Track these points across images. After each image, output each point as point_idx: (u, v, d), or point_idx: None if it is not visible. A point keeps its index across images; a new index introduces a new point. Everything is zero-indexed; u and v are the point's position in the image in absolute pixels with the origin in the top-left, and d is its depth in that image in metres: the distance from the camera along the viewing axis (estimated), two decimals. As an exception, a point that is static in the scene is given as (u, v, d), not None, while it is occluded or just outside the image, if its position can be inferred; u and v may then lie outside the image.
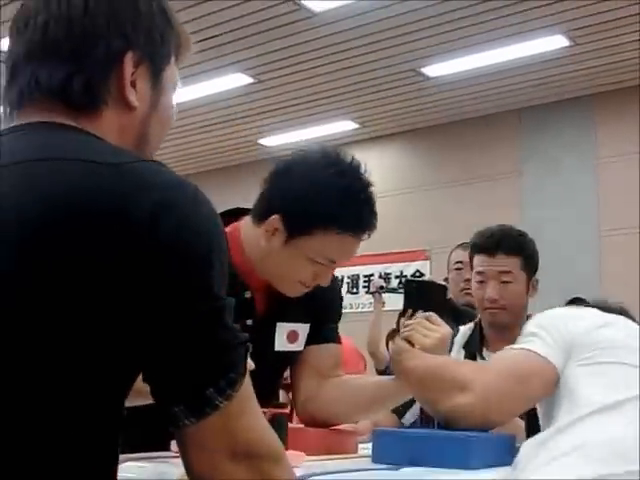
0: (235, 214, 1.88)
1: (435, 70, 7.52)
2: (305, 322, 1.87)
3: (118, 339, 0.91)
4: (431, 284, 2.04)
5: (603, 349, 1.57)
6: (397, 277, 8.85)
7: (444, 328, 1.82)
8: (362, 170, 1.76)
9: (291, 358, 1.91)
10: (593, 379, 1.52)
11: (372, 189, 1.76)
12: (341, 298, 2.05)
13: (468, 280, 3.42)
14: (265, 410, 1.52)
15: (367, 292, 9.09)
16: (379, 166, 9.54)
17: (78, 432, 0.92)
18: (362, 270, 9.32)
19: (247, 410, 0.98)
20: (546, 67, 7.41)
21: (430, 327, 1.81)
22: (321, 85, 7.89)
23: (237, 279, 1.76)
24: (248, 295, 1.79)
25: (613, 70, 7.49)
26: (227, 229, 1.80)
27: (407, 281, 3.09)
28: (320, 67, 7.48)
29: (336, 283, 1.97)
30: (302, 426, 1.82)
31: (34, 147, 0.98)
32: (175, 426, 0.95)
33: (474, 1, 6.20)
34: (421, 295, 1.89)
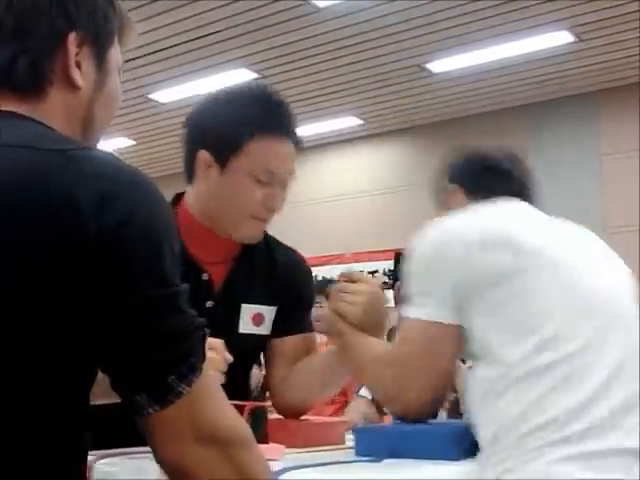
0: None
1: (440, 66, 7.50)
2: (270, 305, 1.85)
3: (71, 331, 0.91)
4: None
5: (498, 281, 1.41)
6: (394, 280, 8.82)
7: (368, 286, 1.71)
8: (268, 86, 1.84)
9: (259, 343, 1.88)
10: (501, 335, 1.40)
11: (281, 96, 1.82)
12: (308, 279, 1.98)
13: None
14: (244, 403, 1.52)
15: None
16: (383, 162, 9.53)
17: (42, 429, 0.93)
18: (366, 266, 9.31)
19: (210, 395, 0.98)
20: (551, 63, 7.39)
21: (354, 290, 1.70)
22: (325, 81, 7.88)
23: (192, 262, 1.76)
24: (205, 277, 1.79)
25: (618, 67, 7.46)
26: (176, 212, 1.80)
27: (397, 253, 3.08)
28: (324, 63, 7.46)
29: (306, 269, 1.95)
30: (279, 418, 1.80)
31: None
32: (139, 415, 0.95)
33: (478, -3, 6.18)
34: None
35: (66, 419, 0.95)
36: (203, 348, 0.97)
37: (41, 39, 1.04)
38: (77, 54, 1.07)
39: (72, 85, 1.07)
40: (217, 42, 7.00)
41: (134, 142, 9.36)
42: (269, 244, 1.88)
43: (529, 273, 1.42)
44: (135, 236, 0.91)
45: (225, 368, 1.40)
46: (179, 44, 6.92)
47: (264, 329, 1.85)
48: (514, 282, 1.41)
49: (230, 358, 1.41)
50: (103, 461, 1.44)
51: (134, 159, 9.90)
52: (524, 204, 1.66)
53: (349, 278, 1.75)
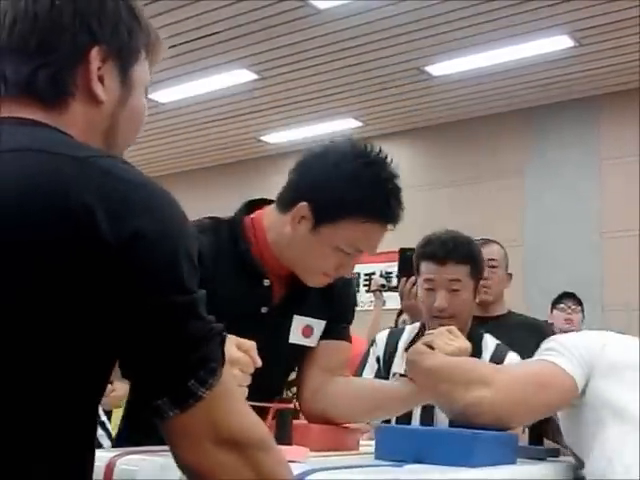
0: (260, 204, 1.89)
1: (439, 69, 7.51)
2: (321, 319, 1.87)
3: (89, 337, 0.93)
4: None
5: (618, 365, 1.65)
6: (398, 276, 8.84)
7: (464, 341, 1.85)
8: (389, 161, 1.80)
9: (303, 353, 1.90)
10: (622, 387, 1.61)
11: (398, 180, 1.79)
12: (355, 298, 2.05)
13: None
14: (270, 405, 1.52)
15: (367, 291, 9.10)
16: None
17: (51, 427, 0.94)
18: (363, 269, 9.31)
19: (229, 398, 0.99)
20: (551, 67, 7.40)
21: (452, 337, 1.84)
22: (325, 82, 7.88)
23: (257, 266, 1.78)
24: (267, 283, 1.80)
25: (617, 71, 7.48)
26: (251, 216, 1.83)
27: (401, 249, 3.12)
28: (324, 64, 7.47)
29: (352, 283, 1.97)
30: (306, 422, 1.81)
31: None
32: (160, 418, 0.97)
33: (479, 0, 6.19)
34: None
35: (76, 420, 0.97)
36: (222, 352, 0.99)
37: (63, 54, 1.05)
38: (100, 68, 1.08)
39: (94, 99, 1.08)
40: (217, 43, 7.00)
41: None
42: None
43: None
44: (152, 244, 0.92)
45: (252, 370, 1.40)
46: (179, 44, 6.92)
47: (312, 341, 1.88)
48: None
49: (259, 362, 1.41)
50: (124, 458, 1.45)
51: (133, 159, 9.83)
52: None
53: (448, 330, 1.88)
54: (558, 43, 6.88)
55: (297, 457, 1.38)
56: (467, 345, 1.85)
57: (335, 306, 1.89)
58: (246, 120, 8.89)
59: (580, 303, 5.48)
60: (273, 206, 1.84)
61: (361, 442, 1.89)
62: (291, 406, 1.53)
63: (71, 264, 0.90)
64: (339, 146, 1.80)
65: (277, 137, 9.42)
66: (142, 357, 0.95)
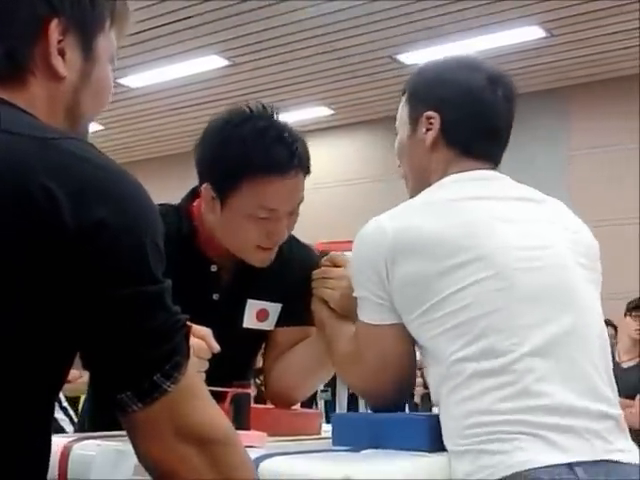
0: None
1: (411, 57, 7.52)
2: (276, 301, 1.84)
3: (49, 324, 0.90)
4: None
5: (417, 291, 1.42)
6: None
7: (344, 276, 1.69)
8: (269, 113, 1.74)
9: (262, 337, 1.88)
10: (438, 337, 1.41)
11: (284, 127, 1.72)
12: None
13: None
14: (227, 390, 1.52)
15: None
16: (354, 153, 9.54)
17: (7, 412, 0.92)
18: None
19: (193, 393, 0.97)
20: (522, 57, 7.44)
21: (338, 274, 1.70)
22: (296, 70, 7.87)
23: (203, 252, 1.76)
24: (214, 269, 1.78)
25: (588, 62, 7.54)
26: (195, 203, 1.80)
27: None
28: (295, 52, 7.46)
29: (310, 265, 1.91)
30: (264, 406, 1.81)
31: None
32: (123, 412, 0.94)
33: (451, -11, 6.21)
34: None
35: (32, 406, 0.95)
36: (188, 345, 0.96)
37: (20, 26, 0.99)
38: (60, 42, 1.01)
39: (55, 74, 1.02)
40: (188, 28, 6.97)
41: (103, 127, 9.27)
42: (285, 241, 1.83)
43: (450, 277, 1.40)
44: (117, 232, 0.89)
45: (209, 356, 1.39)
46: (149, 29, 6.88)
47: (267, 325, 1.84)
48: (439, 284, 1.41)
49: (217, 347, 1.40)
50: (82, 443, 1.43)
51: (103, 144, 9.81)
52: (475, 178, 1.59)
53: (332, 262, 1.74)
54: (530, 33, 6.91)
55: (255, 442, 1.38)
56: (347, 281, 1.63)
57: (294, 286, 1.82)
58: (218, 107, 8.82)
59: None
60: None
61: (324, 427, 1.89)
62: (248, 391, 1.53)
63: (30, 249, 0.86)
64: (217, 119, 1.80)
65: (249, 124, 9.40)
66: (106, 349, 0.91)
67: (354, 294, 1.53)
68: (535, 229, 1.52)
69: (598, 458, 1.33)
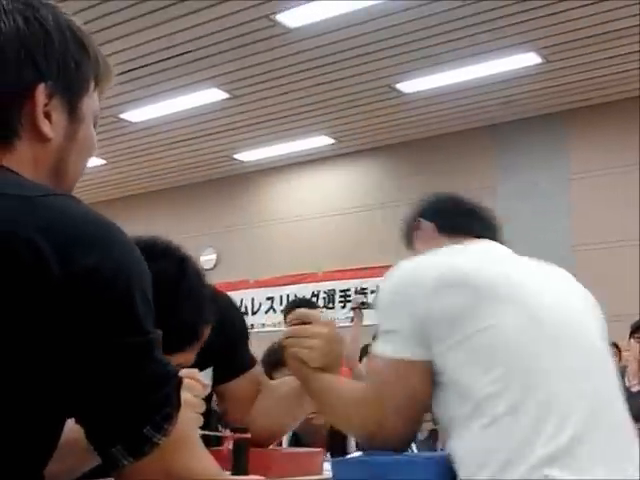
0: None
1: (410, 86, 7.57)
2: (204, 368, 1.70)
3: (40, 379, 0.89)
4: None
5: (458, 321, 1.47)
6: (373, 292, 8.88)
7: (324, 327, 1.68)
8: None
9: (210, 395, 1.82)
10: (470, 367, 1.46)
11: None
12: (240, 316, 1.96)
13: None
14: (227, 435, 1.52)
15: (343, 307, 9.13)
16: (354, 181, 9.57)
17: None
18: (338, 285, 9.33)
19: (184, 442, 0.96)
20: (519, 84, 7.48)
21: (312, 333, 1.67)
22: (296, 100, 7.91)
23: None
24: None
25: (584, 87, 7.57)
26: None
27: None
28: (295, 83, 7.50)
29: (229, 305, 1.86)
30: (264, 449, 1.80)
31: None
32: (114, 467, 0.93)
33: (448, 19, 6.25)
34: None
35: (30, 466, 0.93)
36: (178, 397, 0.95)
37: (7, 92, 1.00)
38: (46, 105, 1.02)
39: (41, 136, 1.03)
40: (188, 62, 7.01)
41: (104, 162, 9.32)
42: None
43: (489, 310, 1.47)
44: (105, 283, 0.89)
45: (204, 394, 1.38)
46: (150, 64, 6.93)
47: (209, 388, 1.75)
48: (474, 321, 1.46)
49: (205, 383, 1.40)
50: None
51: (105, 178, 9.87)
52: (491, 243, 1.72)
53: (302, 319, 1.71)
54: (526, 60, 6.95)
55: (252, 487, 1.38)
56: (327, 332, 1.66)
57: (211, 349, 1.68)
58: (219, 138, 8.90)
59: None
60: None
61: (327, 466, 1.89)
62: (248, 436, 1.53)
63: (16, 303, 0.86)
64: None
65: (250, 155, 9.43)
66: (94, 402, 0.90)
67: (380, 328, 1.56)
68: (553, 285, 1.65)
69: None
